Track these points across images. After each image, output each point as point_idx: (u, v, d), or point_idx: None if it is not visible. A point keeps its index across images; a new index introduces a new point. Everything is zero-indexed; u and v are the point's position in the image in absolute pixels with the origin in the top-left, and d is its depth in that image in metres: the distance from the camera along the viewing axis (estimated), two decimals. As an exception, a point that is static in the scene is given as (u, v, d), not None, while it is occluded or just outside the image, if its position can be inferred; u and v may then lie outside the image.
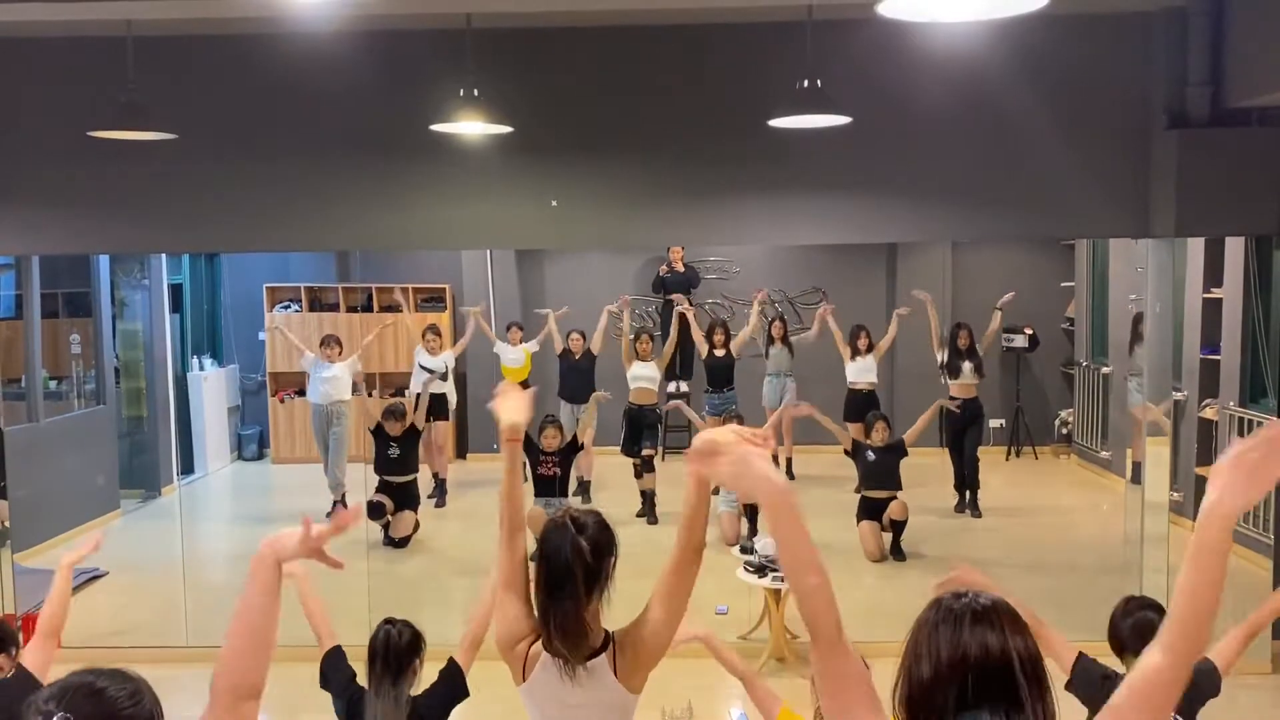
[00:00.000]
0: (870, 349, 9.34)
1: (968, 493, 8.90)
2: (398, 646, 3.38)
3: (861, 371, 9.32)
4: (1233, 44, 5.64)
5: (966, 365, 8.95)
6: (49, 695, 1.73)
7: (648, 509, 8.79)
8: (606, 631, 2.60)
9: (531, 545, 2.69)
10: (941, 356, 9.13)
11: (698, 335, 9.48)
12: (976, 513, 8.83)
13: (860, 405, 9.11)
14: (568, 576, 2.50)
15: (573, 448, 8.02)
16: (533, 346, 10.01)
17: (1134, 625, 3.32)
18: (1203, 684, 3.32)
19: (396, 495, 8.35)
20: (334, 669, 3.56)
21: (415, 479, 8.55)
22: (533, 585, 2.60)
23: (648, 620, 2.56)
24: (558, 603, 2.51)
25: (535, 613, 2.59)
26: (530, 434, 8.11)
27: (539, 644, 2.57)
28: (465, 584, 7.76)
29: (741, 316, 11.03)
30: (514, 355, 9.98)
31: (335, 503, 9.13)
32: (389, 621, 3.47)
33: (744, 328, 9.52)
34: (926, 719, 1.65)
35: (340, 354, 9.29)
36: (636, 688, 2.60)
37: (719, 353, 9.57)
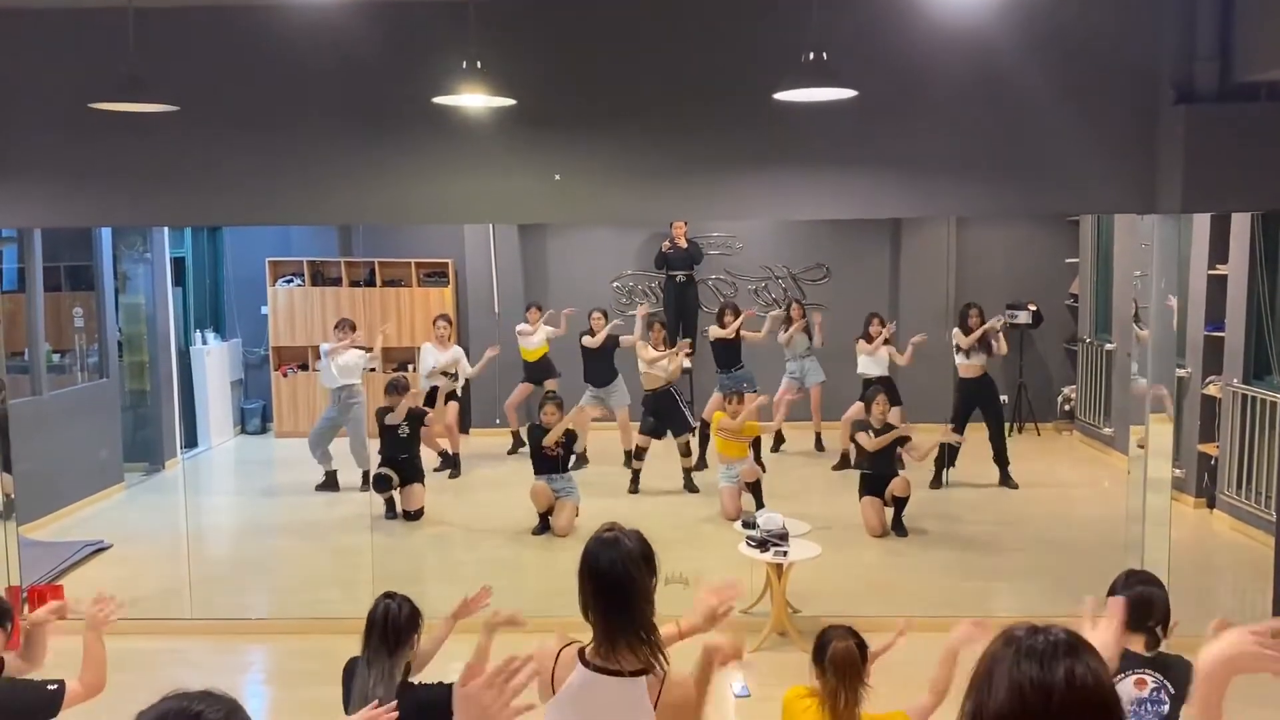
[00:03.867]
0: (884, 339, 9.30)
1: (998, 468, 9.03)
2: (396, 620, 3.38)
3: (870, 365, 9.27)
4: (1241, 18, 5.59)
5: (975, 346, 8.99)
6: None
7: (688, 483, 8.96)
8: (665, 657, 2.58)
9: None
10: (955, 340, 9.15)
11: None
12: (1012, 484, 9.00)
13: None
14: (628, 587, 2.51)
15: (571, 434, 8.10)
16: (553, 332, 9.97)
17: (1131, 600, 3.32)
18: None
19: (402, 469, 8.38)
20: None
21: (419, 453, 8.59)
22: (587, 603, 2.57)
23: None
24: (621, 615, 2.50)
25: (593, 628, 2.55)
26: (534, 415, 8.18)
27: (569, 652, 2.54)
28: (467, 557, 7.80)
29: (745, 293, 11.04)
30: (534, 338, 9.97)
31: (365, 471, 9.12)
32: (389, 595, 3.47)
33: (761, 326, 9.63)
34: None
35: (354, 337, 9.29)
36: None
37: (730, 335, 9.51)
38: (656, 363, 9.10)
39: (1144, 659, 3.27)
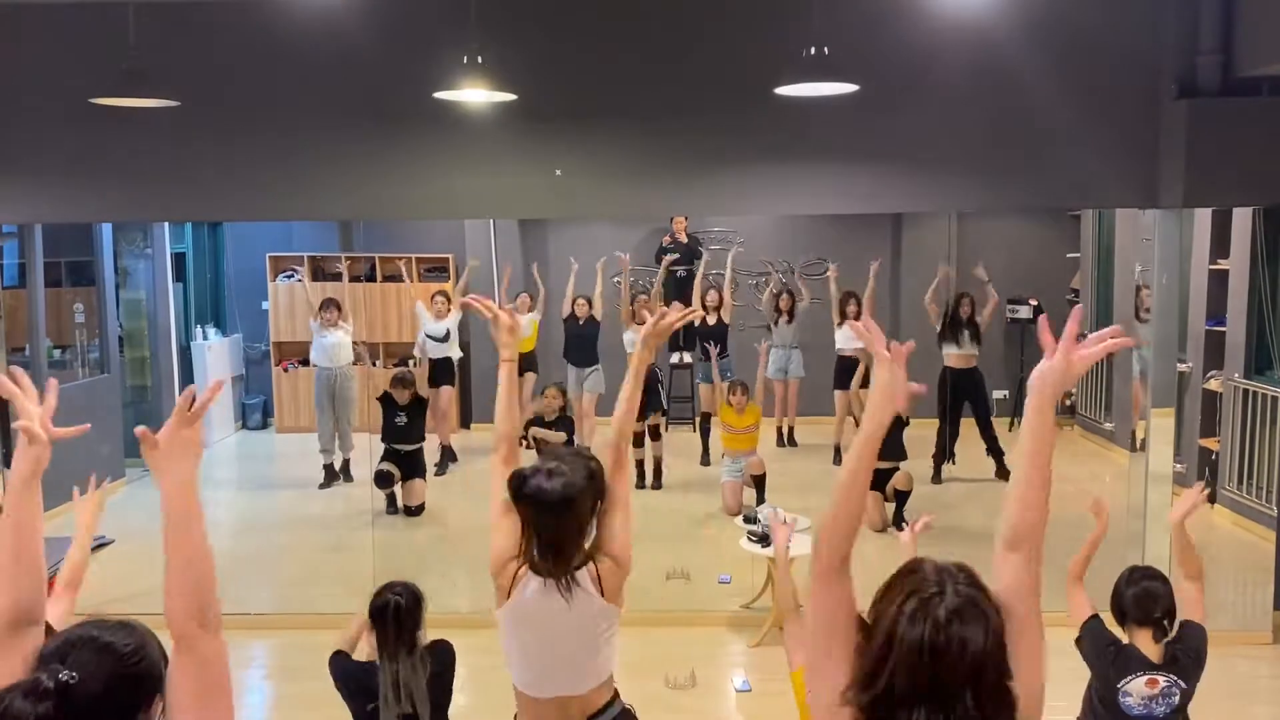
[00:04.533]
0: (859, 316, 9.34)
1: (994, 460, 9.01)
2: (402, 610, 3.41)
3: (849, 338, 9.33)
4: (1243, 13, 5.58)
5: (965, 334, 8.97)
6: (53, 650, 1.66)
7: (654, 477, 8.86)
8: (584, 550, 2.75)
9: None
10: (937, 321, 9.15)
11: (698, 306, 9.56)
12: (1009, 474, 8.89)
13: (849, 371, 9.22)
14: (564, 518, 2.66)
15: (568, 420, 8.10)
16: (537, 316, 10.06)
17: (1136, 595, 3.34)
18: (1196, 645, 3.35)
19: (404, 463, 8.38)
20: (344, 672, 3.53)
21: (422, 447, 8.57)
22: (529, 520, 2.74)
23: (612, 532, 2.76)
24: (559, 521, 2.66)
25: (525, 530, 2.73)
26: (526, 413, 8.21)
27: (525, 565, 2.72)
28: (469, 552, 7.79)
29: (745, 288, 11.03)
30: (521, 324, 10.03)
31: (346, 460, 9.30)
32: (389, 589, 3.50)
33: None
34: (877, 700, 1.66)
35: (340, 317, 9.35)
36: (616, 600, 2.74)
37: (711, 320, 9.61)
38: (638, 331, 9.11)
39: (1153, 664, 3.32)
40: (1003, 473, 9.03)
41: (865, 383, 8.87)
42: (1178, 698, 3.30)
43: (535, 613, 2.68)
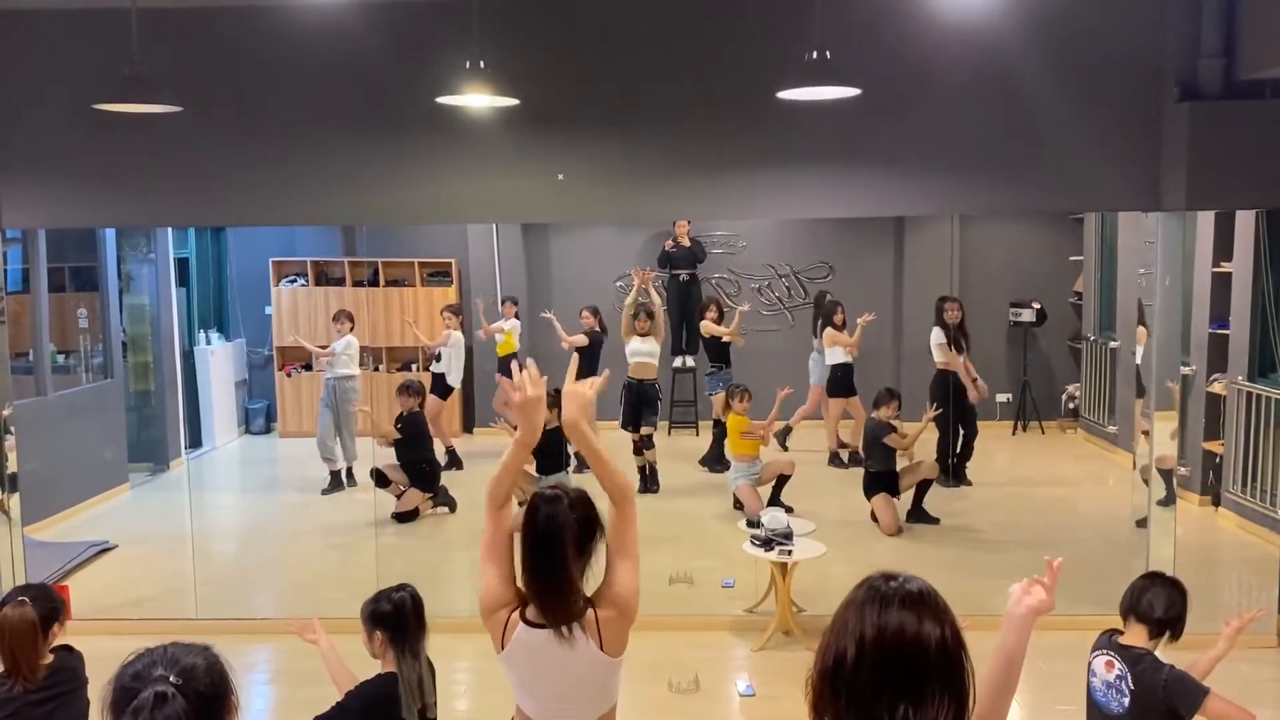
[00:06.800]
0: (845, 325, 9.38)
1: (958, 462, 8.96)
2: (414, 610, 3.46)
3: (838, 353, 9.38)
4: (1246, 15, 5.58)
5: (949, 340, 8.93)
6: (152, 662, 1.71)
7: (650, 481, 8.84)
8: (586, 598, 2.61)
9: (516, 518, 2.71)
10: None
11: (723, 330, 9.54)
12: (967, 481, 8.93)
13: (841, 379, 9.30)
14: (555, 547, 2.52)
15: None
16: (512, 325, 10.12)
17: (1150, 597, 3.36)
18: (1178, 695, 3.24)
19: (403, 470, 8.39)
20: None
21: (427, 458, 8.52)
22: (518, 554, 2.63)
23: (615, 579, 2.60)
24: (543, 571, 2.54)
25: (517, 581, 2.62)
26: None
27: (518, 613, 2.60)
28: (472, 555, 7.79)
29: (748, 291, 11.04)
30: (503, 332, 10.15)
31: (349, 466, 9.33)
32: (392, 592, 3.51)
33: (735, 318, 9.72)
34: (835, 694, 1.71)
35: (352, 329, 9.35)
36: (616, 651, 2.60)
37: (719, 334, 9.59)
38: (641, 348, 9.11)
39: (1117, 645, 3.34)
40: (960, 479, 8.92)
41: (841, 392, 9.12)
42: (1127, 699, 3.25)
43: (532, 659, 2.59)
